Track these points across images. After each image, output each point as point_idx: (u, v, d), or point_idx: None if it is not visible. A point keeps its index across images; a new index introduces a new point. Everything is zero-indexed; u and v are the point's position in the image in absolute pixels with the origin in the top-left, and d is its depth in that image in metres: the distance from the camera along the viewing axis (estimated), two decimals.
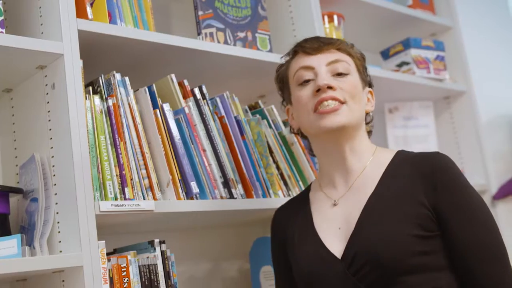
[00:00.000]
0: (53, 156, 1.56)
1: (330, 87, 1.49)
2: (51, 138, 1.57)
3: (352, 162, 1.53)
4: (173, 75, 1.80)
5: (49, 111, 1.58)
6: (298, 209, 1.62)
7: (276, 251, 1.68)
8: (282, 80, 1.64)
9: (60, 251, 1.52)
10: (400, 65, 2.63)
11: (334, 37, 2.30)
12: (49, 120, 1.58)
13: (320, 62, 1.54)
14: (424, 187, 1.43)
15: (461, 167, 2.79)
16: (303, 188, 2.00)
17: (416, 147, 2.74)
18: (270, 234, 1.71)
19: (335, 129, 1.48)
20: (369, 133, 1.63)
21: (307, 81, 1.54)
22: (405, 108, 2.81)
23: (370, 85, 1.64)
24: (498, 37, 3.27)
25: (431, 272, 1.38)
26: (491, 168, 2.77)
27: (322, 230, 1.52)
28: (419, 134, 2.81)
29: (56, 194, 1.54)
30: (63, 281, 1.50)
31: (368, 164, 1.53)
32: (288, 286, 1.62)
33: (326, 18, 2.33)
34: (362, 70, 1.59)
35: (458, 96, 2.84)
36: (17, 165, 1.69)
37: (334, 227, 1.50)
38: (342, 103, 1.49)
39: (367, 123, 1.61)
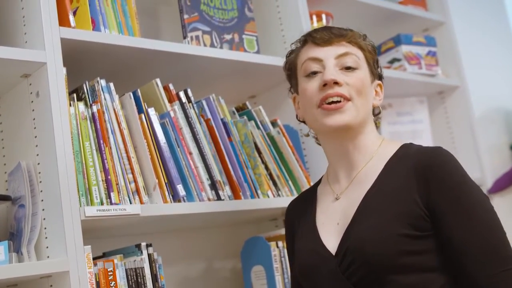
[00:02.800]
0: (39, 163, 1.59)
1: (336, 83, 1.46)
2: (36, 145, 1.59)
3: (356, 157, 1.51)
4: (158, 80, 1.82)
5: (34, 119, 1.60)
6: (306, 202, 1.62)
7: (288, 242, 1.68)
8: (290, 68, 1.60)
9: (48, 257, 1.54)
10: (392, 61, 2.63)
11: None
12: (35, 128, 1.60)
13: (328, 54, 1.49)
14: (417, 184, 1.39)
15: None
16: (293, 188, 2.02)
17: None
18: (284, 224, 1.71)
19: (339, 128, 1.46)
20: (377, 123, 1.60)
21: (315, 73, 1.50)
22: (399, 104, 2.82)
23: (380, 78, 1.59)
24: (490, 31, 3.27)
25: (422, 273, 1.36)
26: (486, 162, 2.78)
27: (322, 225, 1.51)
28: (413, 130, 2.81)
29: (42, 200, 1.57)
30: (51, 286, 1.53)
31: (372, 158, 1.50)
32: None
33: (314, 17, 2.34)
34: (372, 63, 1.54)
35: (451, 91, 2.85)
36: (5, 172, 1.71)
37: (333, 222, 1.49)
38: (348, 99, 1.46)
39: (375, 115, 1.58)
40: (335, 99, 1.46)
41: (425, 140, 2.81)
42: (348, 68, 1.48)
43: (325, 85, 1.47)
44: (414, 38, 2.66)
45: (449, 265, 1.37)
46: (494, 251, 1.33)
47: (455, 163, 1.41)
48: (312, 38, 1.53)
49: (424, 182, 1.39)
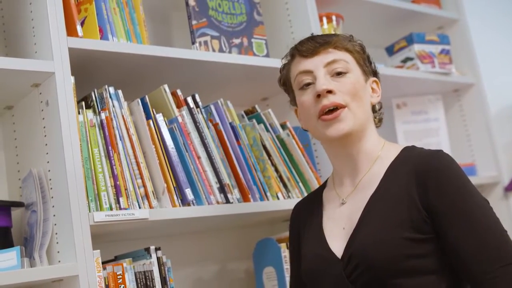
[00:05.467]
0: (49, 170, 1.63)
1: (329, 91, 1.49)
2: (47, 153, 1.64)
3: (359, 162, 1.54)
4: (165, 86, 1.85)
5: (44, 127, 1.65)
6: (312, 205, 1.64)
7: (291, 243, 1.71)
8: (285, 83, 1.65)
9: (59, 261, 1.59)
10: (405, 60, 2.63)
11: None
12: (45, 136, 1.65)
13: (317, 64, 1.53)
14: (417, 187, 1.41)
15: (472, 159, 2.80)
16: (303, 190, 2.04)
17: (427, 141, 2.75)
18: (289, 225, 1.73)
19: (340, 137, 1.49)
20: (379, 121, 1.62)
21: (308, 84, 1.54)
22: (414, 103, 2.82)
23: (375, 74, 1.61)
24: (505, 27, 3.25)
25: (425, 276, 1.37)
26: (503, 159, 2.76)
27: (328, 229, 1.54)
28: (429, 128, 2.81)
29: (53, 206, 1.61)
30: None
31: (375, 162, 1.53)
32: (299, 277, 1.64)
33: (324, 19, 2.35)
34: (363, 63, 1.56)
35: (467, 88, 2.84)
36: (19, 179, 1.76)
37: (339, 226, 1.51)
38: (344, 106, 1.49)
39: (375, 113, 1.59)
40: (331, 108, 1.49)
41: (441, 138, 2.80)
42: (339, 74, 1.51)
43: (319, 95, 1.50)
44: (426, 36, 2.65)
45: (451, 267, 1.39)
46: (491, 248, 1.34)
47: (454, 166, 1.43)
48: (298, 52, 1.57)
49: (423, 186, 1.41)
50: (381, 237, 1.40)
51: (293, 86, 1.60)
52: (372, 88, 1.58)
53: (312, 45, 1.55)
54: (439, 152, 1.45)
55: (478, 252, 1.34)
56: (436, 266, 1.38)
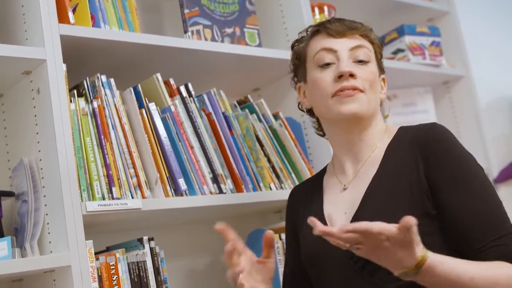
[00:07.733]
0: (41, 159, 1.60)
1: (352, 75, 1.47)
2: (38, 142, 1.61)
3: (361, 149, 1.53)
4: (158, 75, 1.83)
5: (36, 115, 1.62)
6: (312, 190, 1.63)
7: (288, 227, 1.70)
8: (299, 57, 1.60)
9: (51, 252, 1.56)
10: (396, 52, 2.63)
11: None
12: (36, 124, 1.62)
13: (343, 46, 1.51)
14: (416, 161, 1.42)
15: None
16: (295, 180, 2.03)
17: None
18: (286, 209, 1.72)
19: (351, 116, 1.47)
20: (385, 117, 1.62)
21: (328, 64, 1.51)
22: (404, 95, 2.82)
23: (383, 71, 1.62)
24: (495, 20, 3.26)
25: None
26: (492, 151, 2.77)
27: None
28: (419, 120, 2.81)
29: (45, 196, 1.58)
30: (54, 280, 1.55)
31: (376, 148, 1.52)
32: (295, 259, 1.64)
33: (316, 9, 2.34)
34: (380, 57, 1.58)
35: (456, 80, 2.84)
36: (9, 169, 1.74)
37: (340, 211, 1.51)
38: (361, 91, 1.48)
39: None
40: (350, 91, 1.47)
41: None
42: (360, 61, 1.50)
43: (340, 76, 1.48)
44: (417, 28, 2.65)
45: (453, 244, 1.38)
46: (489, 219, 1.35)
47: (450, 137, 1.44)
48: (326, 29, 1.54)
49: (422, 158, 1.41)
50: (383, 215, 1.37)
51: (308, 61, 1.56)
52: (381, 86, 1.59)
53: (340, 26, 1.53)
54: (435, 124, 1.47)
55: (476, 222, 1.35)
56: (442, 245, 1.37)
